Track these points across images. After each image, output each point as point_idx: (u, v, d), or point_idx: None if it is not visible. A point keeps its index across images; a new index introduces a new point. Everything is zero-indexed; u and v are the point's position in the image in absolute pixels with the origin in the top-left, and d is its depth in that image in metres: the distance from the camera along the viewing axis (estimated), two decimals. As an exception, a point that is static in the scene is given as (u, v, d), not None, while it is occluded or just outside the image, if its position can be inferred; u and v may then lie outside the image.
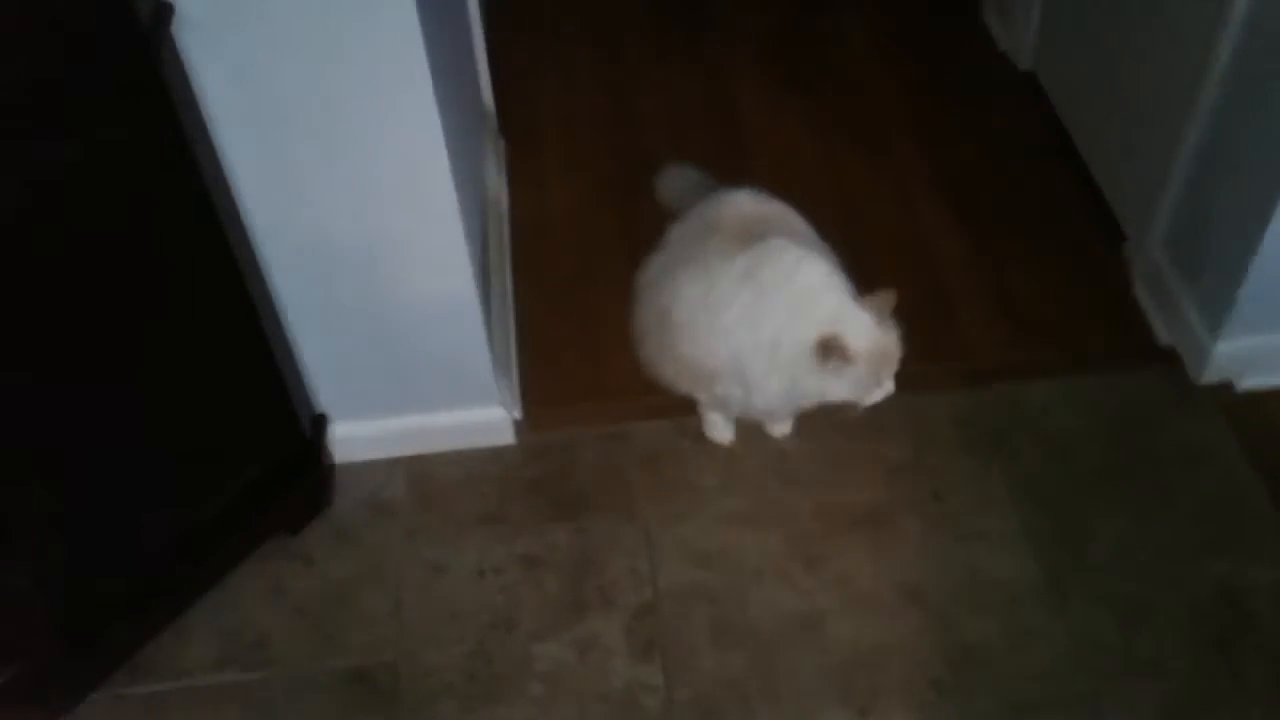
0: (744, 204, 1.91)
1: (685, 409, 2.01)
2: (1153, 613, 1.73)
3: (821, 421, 1.97)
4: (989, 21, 2.84)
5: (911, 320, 2.12)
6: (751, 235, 1.79)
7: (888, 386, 1.69)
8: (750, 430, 1.99)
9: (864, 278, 2.04)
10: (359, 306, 1.80)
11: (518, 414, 2.04)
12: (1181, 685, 1.65)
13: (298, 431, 1.85)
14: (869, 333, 1.64)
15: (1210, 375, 2.02)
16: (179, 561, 1.76)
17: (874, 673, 1.70)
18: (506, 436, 2.02)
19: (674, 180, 2.24)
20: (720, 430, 1.99)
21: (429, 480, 1.98)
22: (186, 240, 1.52)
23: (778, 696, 1.68)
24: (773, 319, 1.69)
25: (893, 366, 1.67)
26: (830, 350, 1.61)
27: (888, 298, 1.67)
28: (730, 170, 2.28)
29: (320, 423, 1.94)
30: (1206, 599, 1.74)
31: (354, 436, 1.98)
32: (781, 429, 2.00)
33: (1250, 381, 2.02)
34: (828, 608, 1.77)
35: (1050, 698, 1.65)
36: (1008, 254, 2.28)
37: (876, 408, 1.99)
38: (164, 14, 1.36)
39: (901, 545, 1.84)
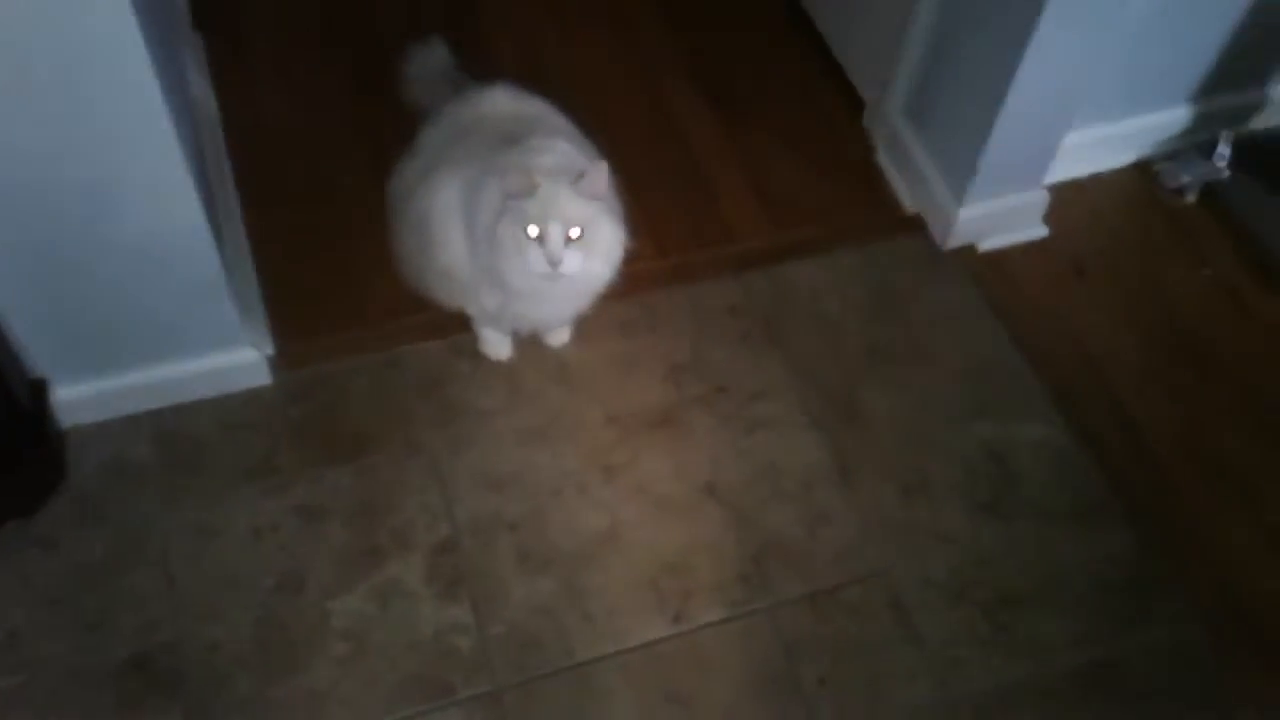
0: (501, 102, 1.79)
1: (458, 326, 1.89)
2: (931, 481, 1.82)
3: (600, 324, 1.92)
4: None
5: (674, 209, 2.12)
6: (510, 135, 1.67)
7: (553, 253, 1.52)
8: (528, 344, 1.91)
9: (622, 167, 1.97)
10: (68, 253, 1.55)
11: (270, 350, 1.86)
12: (963, 550, 1.75)
13: (13, 403, 1.61)
14: (560, 178, 1.53)
15: (955, 240, 2.10)
16: (-109, 574, 1.50)
17: (682, 576, 1.70)
18: (261, 377, 1.84)
19: (422, 63, 2.05)
20: (497, 346, 1.90)
21: (178, 436, 1.78)
22: None
23: (591, 615, 1.66)
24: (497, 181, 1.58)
25: (559, 224, 1.51)
26: (514, 170, 1.51)
27: (597, 167, 1.54)
28: (469, 59, 2.12)
29: (40, 388, 1.69)
30: (977, 462, 1.84)
31: (83, 397, 1.75)
32: (559, 338, 1.93)
33: (990, 242, 2.12)
34: (629, 517, 1.75)
35: (850, 578, 1.71)
36: (758, 134, 2.26)
37: (650, 304, 1.99)
38: None
39: (694, 444, 1.84)
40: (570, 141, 1.70)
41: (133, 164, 1.48)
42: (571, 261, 1.55)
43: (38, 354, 1.67)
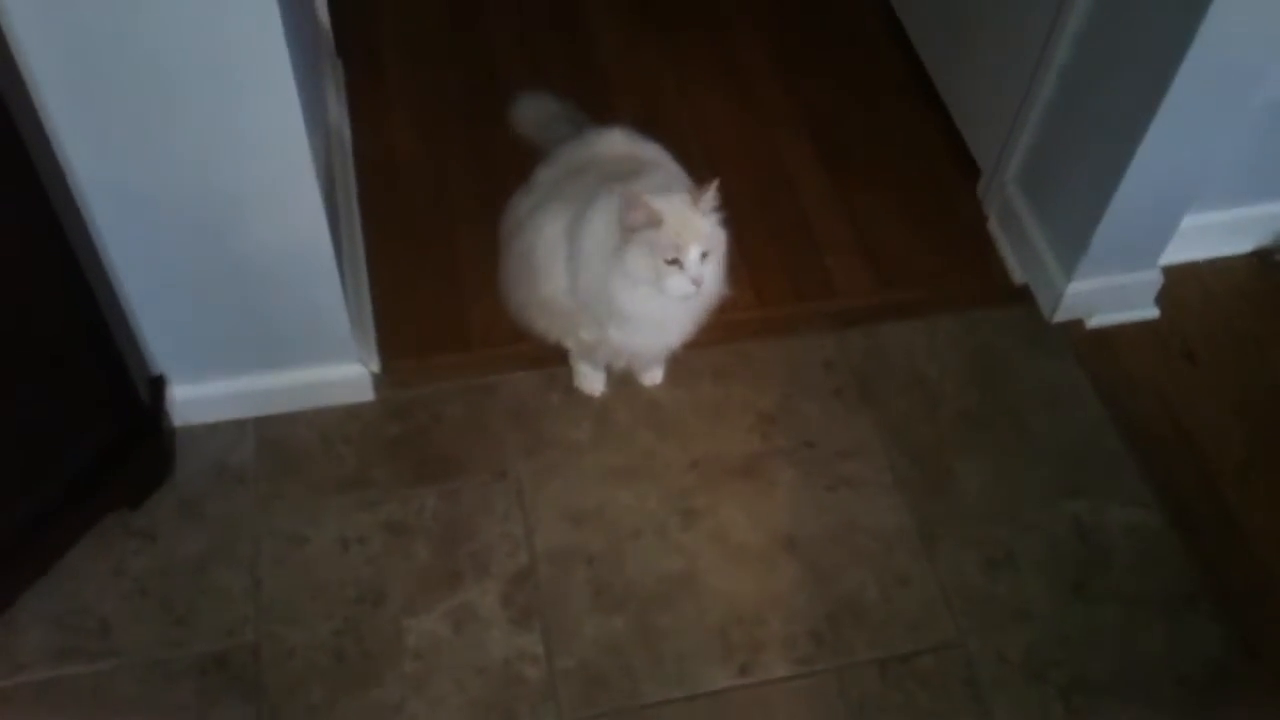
0: (617, 143, 1.83)
1: (555, 359, 1.93)
2: (1015, 555, 1.79)
3: (693, 368, 1.94)
4: (842, -55, 2.79)
5: (778, 261, 2.14)
6: (621, 176, 1.71)
7: (694, 273, 1.55)
8: (622, 381, 1.94)
9: (730, 215, 2.00)
10: (199, 260, 1.64)
11: (375, 368, 1.92)
12: (1043, 628, 1.71)
13: (133, 398, 1.69)
14: (679, 204, 1.56)
15: (1062, 314, 2.07)
16: (4, 547, 1.59)
17: (753, 628, 1.70)
18: (365, 393, 1.90)
19: (531, 110, 2.12)
20: (591, 381, 1.93)
21: (281, 443, 1.85)
22: (2, 204, 1.33)
23: (660, 658, 1.67)
24: (601, 217, 1.62)
25: (698, 246, 1.55)
26: (632, 204, 1.53)
27: (706, 186, 1.57)
28: (588, 101, 2.18)
29: (159, 385, 1.78)
30: (1065, 540, 1.80)
31: (197, 398, 1.83)
32: (653, 377, 1.96)
33: (1099, 319, 2.08)
34: (706, 564, 1.76)
35: (924, 646, 1.69)
36: (869, 193, 2.27)
37: (745, 353, 2.00)
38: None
39: (776, 496, 1.84)
40: (678, 183, 1.73)
41: (268, 178, 1.56)
42: (709, 277, 1.59)
43: (159, 352, 1.76)
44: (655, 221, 1.54)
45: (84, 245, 1.51)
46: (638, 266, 1.57)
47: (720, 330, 1.85)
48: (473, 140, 2.29)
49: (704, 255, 1.57)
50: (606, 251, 1.61)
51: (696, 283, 1.57)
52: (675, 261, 1.55)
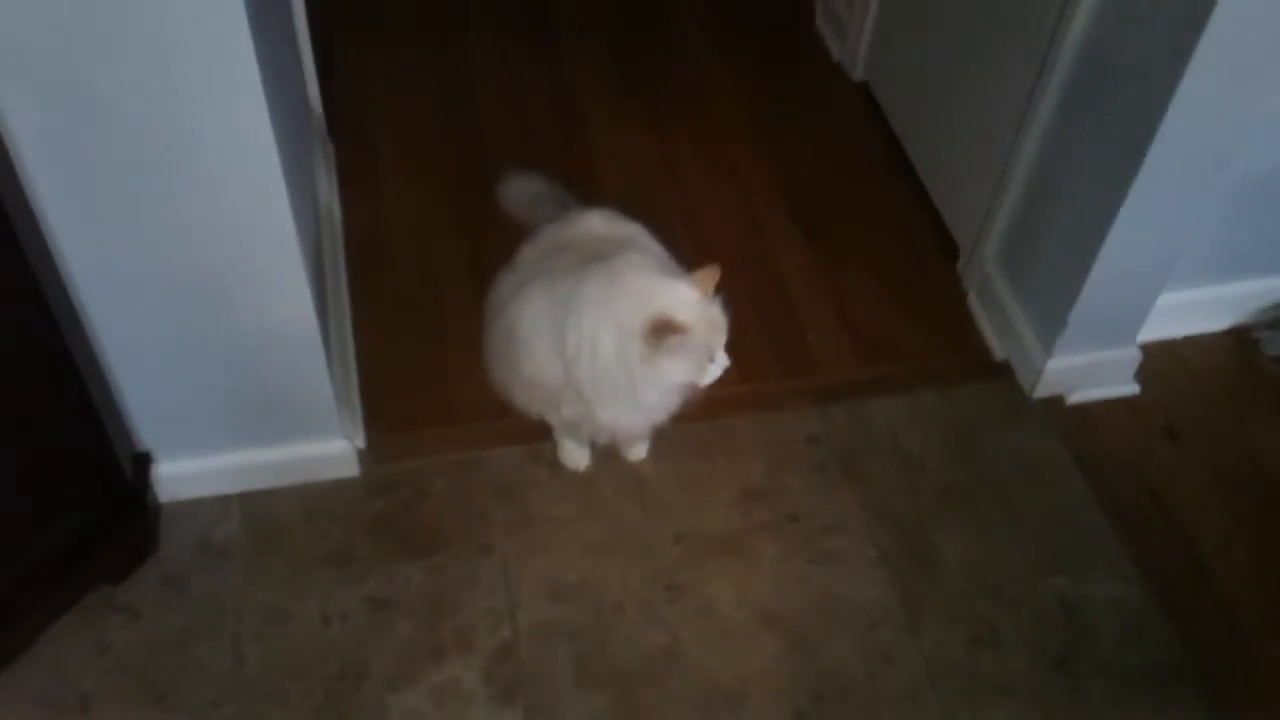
0: (595, 224, 1.86)
1: (539, 434, 1.95)
2: (999, 631, 1.78)
3: (677, 443, 1.96)
4: (822, 31, 2.87)
5: (761, 338, 2.17)
6: (603, 256, 1.74)
7: (722, 360, 1.66)
8: (606, 455, 1.95)
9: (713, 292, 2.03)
10: (185, 339, 1.66)
11: (361, 443, 1.94)
12: (1028, 704, 1.70)
13: (118, 474, 1.70)
14: (695, 304, 1.60)
15: (1043, 390, 2.09)
16: (-15, 626, 1.59)
17: (737, 705, 1.69)
18: (350, 468, 1.91)
19: (518, 189, 2.16)
20: (575, 456, 1.94)
21: (266, 518, 1.86)
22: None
23: (643, 735, 1.66)
24: (597, 315, 1.63)
25: (723, 337, 1.64)
26: (662, 329, 1.56)
27: (711, 273, 1.63)
28: (574, 178, 2.23)
29: (143, 461, 1.79)
30: (1049, 615, 1.80)
31: (182, 473, 1.84)
32: (637, 452, 1.97)
33: (1079, 395, 2.10)
34: (689, 639, 1.76)
35: (908, 722, 1.69)
36: (851, 269, 2.31)
37: (729, 427, 2.02)
38: (-38, 34, 1.20)
39: (760, 571, 1.84)
40: (656, 262, 1.76)
41: (254, 260, 1.59)
42: (717, 367, 1.65)
43: (145, 429, 1.77)
44: (682, 330, 1.57)
45: (71, 323, 1.53)
46: (678, 372, 1.62)
47: (703, 405, 1.86)
48: (462, 218, 2.33)
49: None
50: (623, 359, 1.61)
51: (725, 366, 1.65)
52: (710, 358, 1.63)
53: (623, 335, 1.58)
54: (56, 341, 1.48)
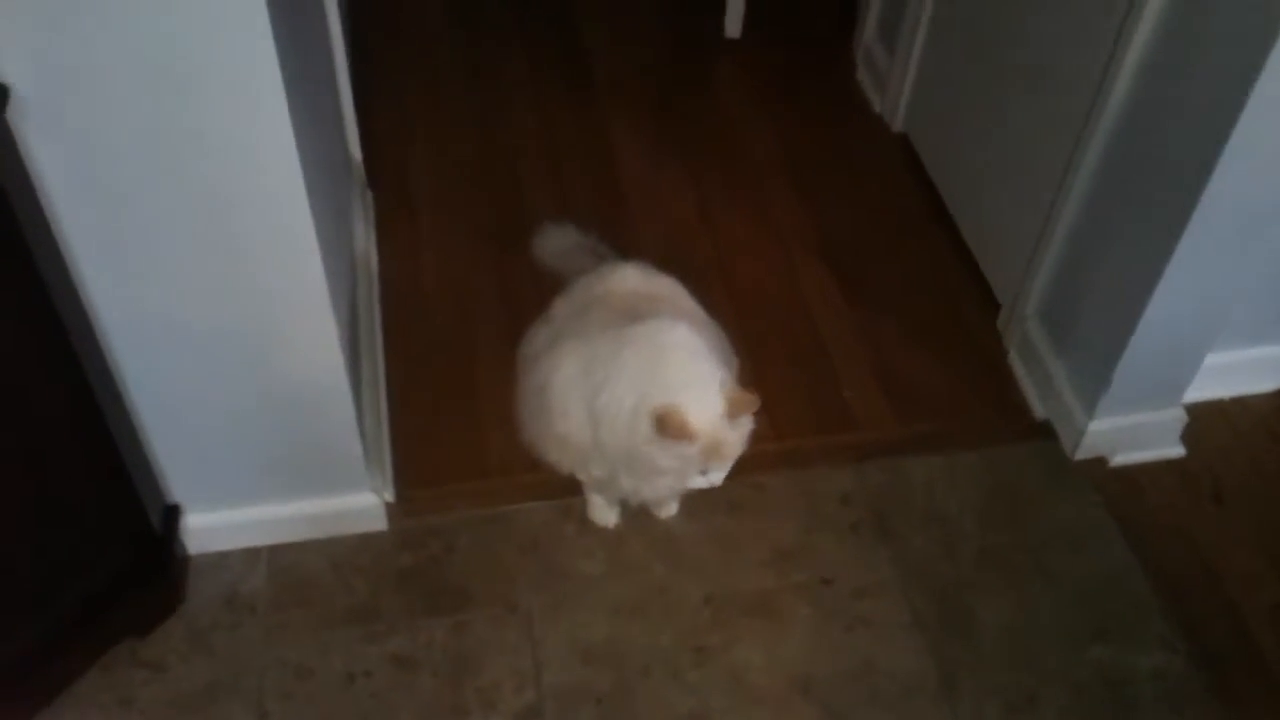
0: (631, 279, 1.85)
1: (569, 489, 1.93)
2: (1039, 702, 1.73)
3: (709, 502, 1.93)
4: (862, 81, 2.85)
5: (796, 393, 2.14)
6: (638, 312, 1.72)
7: (714, 478, 1.63)
8: (636, 512, 1.93)
9: (748, 348, 2.02)
10: (215, 392, 1.66)
11: (389, 497, 1.92)
12: (1069, 779, 1.65)
13: (146, 528, 1.70)
14: (716, 418, 1.56)
15: (1085, 451, 2.04)
16: (12, 679, 1.58)
17: (766, 774, 1.65)
18: (378, 522, 1.90)
19: (553, 241, 2.16)
20: (604, 513, 1.92)
21: (292, 572, 1.85)
22: (17, 334, 1.36)
23: (668, 805, 1.62)
24: (630, 383, 1.61)
25: (724, 461, 1.61)
26: (668, 424, 1.53)
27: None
28: (611, 229, 2.23)
29: (173, 514, 1.79)
30: (1090, 686, 1.75)
31: (210, 526, 1.84)
32: (668, 510, 1.94)
33: (1123, 457, 2.05)
34: (718, 705, 1.72)
35: (943, 797, 1.63)
36: (888, 324, 2.27)
37: (762, 485, 1.99)
38: (-4, 95, 1.22)
39: (792, 635, 1.80)
40: (693, 322, 1.74)
41: (285, 315, 1.59)
42: (723, 475, 1.63)
43: (174, 482, 1.77)
44: (689, 436, 1.54)
45: (102, 377, 1.53)
46: (665, 465, 1.60)
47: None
48: (497, 269, 2.32)
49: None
50: (633, 430, 1.59)
51: (714, 484, 1.64)
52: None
53: (640, 407, 1.56)
54: (86, 395, 1.49)
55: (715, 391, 1.57)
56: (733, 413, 1.57)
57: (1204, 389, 2.07)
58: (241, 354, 1.62)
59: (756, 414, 1.74)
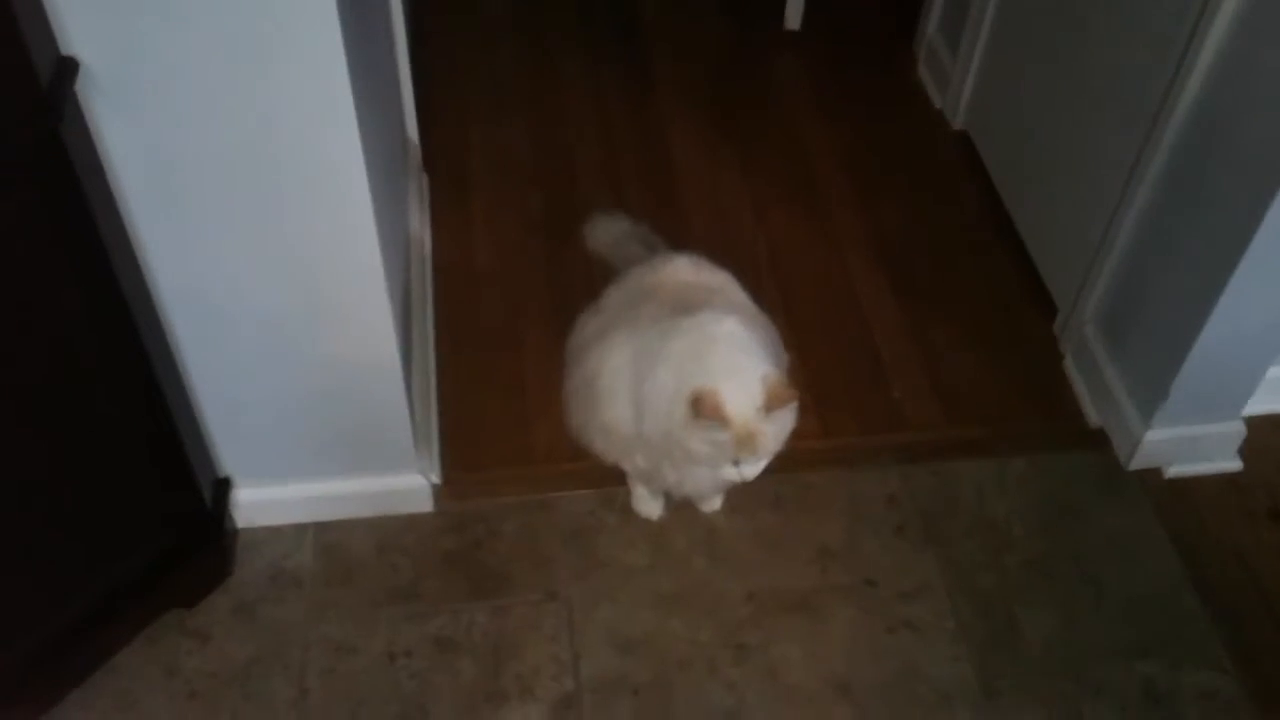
0: (683, 271, 1.84)
1: (613, 479, 1.92)
2: (1082, 715, 1.70)
3: (753, 498, 1.92)
4: (923, 78, 2.81)
5: (845, 392, 2.12)
6: (689, 304, 1.71)
7: (746, 472, 1.60)
8: (680, 504, 1.92)
9: (799, 344, 2.00)
10: (269, 368, 1.68)
11: (436, 479, 1.94)
12: (1110, 795, 1.63)
13: (198, 500, 1.72)
14: (748, 408, 1.54)
15: (1139, 462, 2.01)
16: (61, 646, 1.61)
17: (802, 774, 1.64)
18: (424, 504, 1.91)
19: (604, 230, 2.15)
20: (648, 505, 1.92)
21: (339, 550, 1.86)
22: (83, 308, 1.39)
23: (703, 800, 1.62)
24: (674, 370, 1.59)
25: (756, 455, 1.58)
26: (704, 406, 1.51)
27: (788, 394, 1.56)
28: (663, 222, 2.22)
29: (223, 487, 1.81)
30: (1135, 702, 1.72)
31: (260, 501, 1.86)
32: (711, 505, 1.93)
33: (1178, 469, 2.01)
34: (755, 702, 1.71)
35: (980, 806, 1.62)
36: (942, 325, 2.25)
37: (808, 483, 1.97)
38: (67, 70, 1.23)
39: (833, 635, 1.79)
40: (744, 316, 1.73)
41: (341, 293, 1.60)
42: (757, 470, 1.60)
43: (226, 455, 1.79)
44: (722, 424, 1.53)
45: (159, 350, 1.55)
46: (697, 451, 1.58)
47: (782, 459, 1.82)
48: (549, 256, 2.33)
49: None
50: (671, 414, 1.58)
51: (746, 479, 1.60)
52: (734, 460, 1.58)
53: (680, 392, 1.55)
54: (144, 366, 1.51)
55: (756, 382, 1.55)
56: (770, 405, 1.55)
57: (1264, 403, 2.02)
58: (296, 332, 1.63)
59: (804, 412, 1.73)
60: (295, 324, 1.62)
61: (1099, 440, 2.06)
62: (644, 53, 2.89)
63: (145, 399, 1.54)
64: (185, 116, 1.35)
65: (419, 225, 2.32)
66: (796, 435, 1.71)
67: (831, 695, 1.72)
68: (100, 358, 1.45)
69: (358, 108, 1.39)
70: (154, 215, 1.45)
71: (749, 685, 1.73)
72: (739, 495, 1.91)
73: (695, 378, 1.55)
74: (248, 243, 1.50)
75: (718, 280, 1.84)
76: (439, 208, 2.43)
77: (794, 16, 2.93)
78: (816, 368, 2.10)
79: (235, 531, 1.86)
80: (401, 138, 2.34)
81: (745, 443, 1.55)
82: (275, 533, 1.88)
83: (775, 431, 1.58)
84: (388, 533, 1.89)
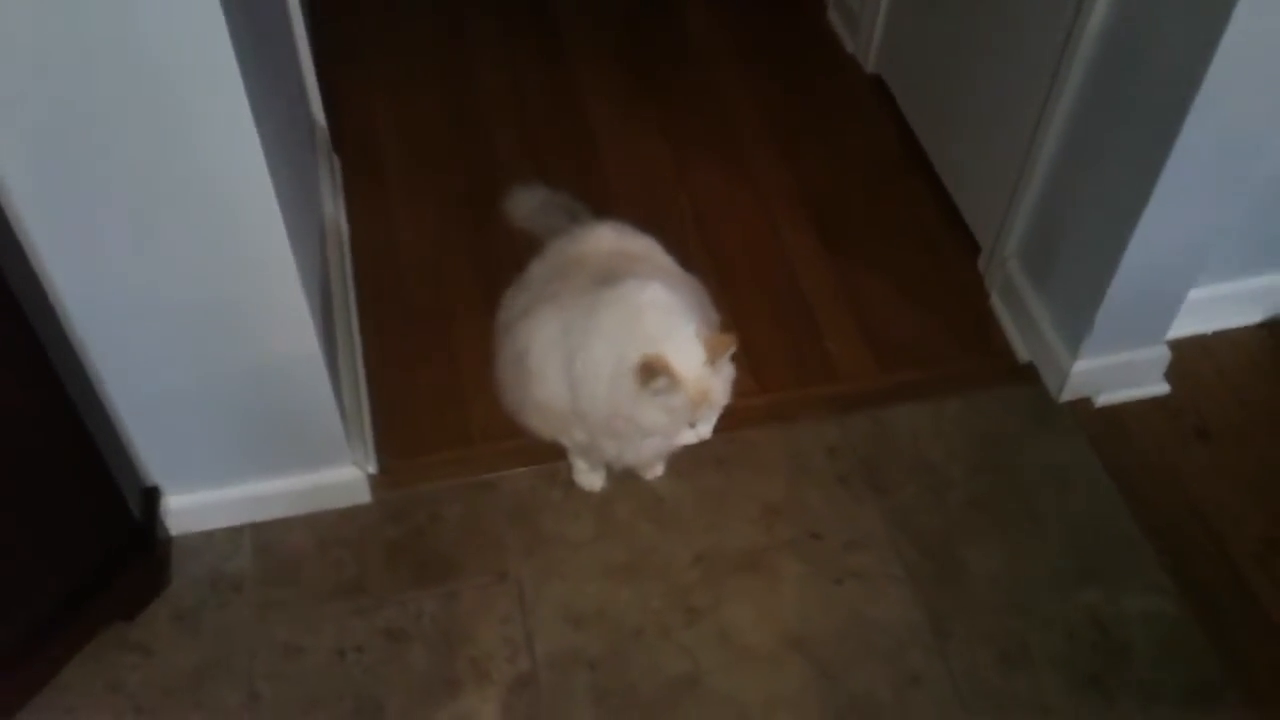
0: (606, 239, 1.82)
1: (553, 454, 1.90)
2: (1031, 649, 1.73)
3: (695, 460, 1.91)
4: (833, 22, 2.80)
5: (778, 346, 2.12)
6: (614, 272, 1.69)
7: (702, 430, 1.61)
8: (622, 474, 1.91)
9: (729, 302, 1.99)
10: (186, 369, 1.62)
11: (372, 469, 1.90)
12: (1063, 723, 1.66)
13: (125, 511, 1.67)
14: (695, 365, 1.54)
15: (1069, 393, 2.03)
16: (-3, 667, 1.57)
17: (762, 732, 1.65)
18: (362, 495, 1.88)
19: (524, 202, 2.11)
20: (589, 477, 1.90)
21: (278, 549, 1.83)
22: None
23: (666, 766, 1.62)
24: (606, 345, 1.58)
25: (712, 410, 1.58)
26: (653, 370, 1.50)
27: (724, 341, 1.56)
28: (586, 188, 2.19)
29: (152, 497, 1.76)
30: (1081, 630, 1.75)
31: (191, 506, 1.81)
32: (654, 472, 1.93)
33: (1107, 397, 2.04)
34: (710, 665, 1.71)
35: (939, 746, 1.64)
36: (869, 273, 2.25)
37: (748, 440, 1.97)
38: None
39: (782, 591, 1.80)
40: (669, 280, 1.71)
41: (251, 287, 1.54)
42: (711, 427, 1.60)
43: (152, 463, 1.74)
44: (674, 385, 1.51)
45: (67, 360, 1.50)
46: (653, 421, 1.57)
47: (721, 419, 1.82)
48: (473, 232, 2.29)
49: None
50: (615, 389, 1.56)
51: (701, 437, 1.60)
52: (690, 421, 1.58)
53: (620, 368, 1.53)
54: (51, 381, 1.45)
55: (693, 339, 1.54)
56: (713, 356, 1.54)
57: (1187, 325, 2.06)
58: (211, 329, 1.58)
59: (739, 369, 1.73)
60: (208, 323, 1.57)
61: (1029, 375, 2.08)
62: (554, 18, 2.84)
63: (56, 414, 1.48)
64: (65, 111, 1.28)
65: (333, 209, 2.26)
66: (734, 394, 1.70)
67: (785, 651, 1.73)
68: (3, 375, 1.39)
69: (250, 89, 1.33)
70: (45, 218, 1.38)
71: (703, 648, 1.73)
72: (681, 459, 1.90)
73: (632, 348, 1.53)
74: (148, 241, 1.44)
75: (640, 246, 1.82)
76: (354, 190, 2.37)
77: (701, -31, 2.89)
78: (748, 324, 2.09)
79: (169, 540, 1.81)
80: (307, 120, 2.27)
81: (700, 400, 1.54)
82: (211, 537, 1.83)
83: (723, 383, 1.58)
84: (327, 528, 1.85)
